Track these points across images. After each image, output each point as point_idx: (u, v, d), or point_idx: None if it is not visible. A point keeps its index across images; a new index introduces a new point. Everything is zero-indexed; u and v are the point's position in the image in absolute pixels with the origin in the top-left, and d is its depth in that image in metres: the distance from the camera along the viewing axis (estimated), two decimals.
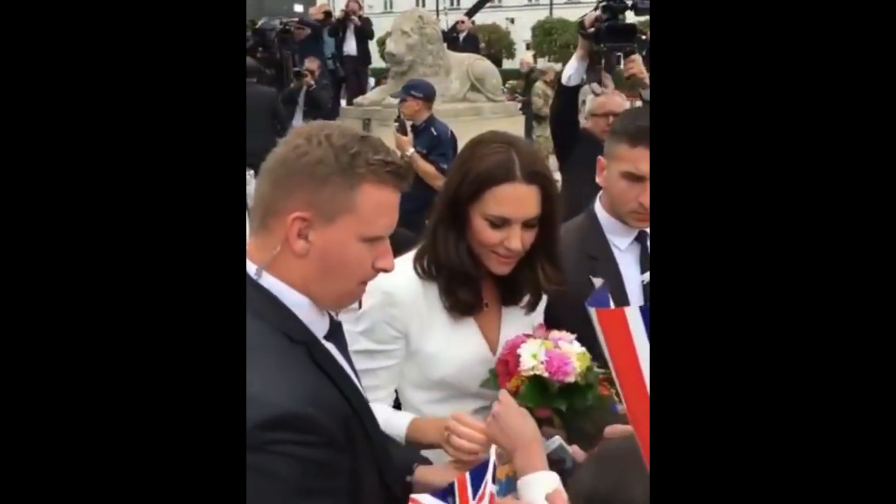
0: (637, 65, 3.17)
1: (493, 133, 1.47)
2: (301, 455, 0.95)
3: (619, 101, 3.45)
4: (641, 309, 0.83)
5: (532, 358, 1.33)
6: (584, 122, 3.52)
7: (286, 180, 1.05)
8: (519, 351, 1.36)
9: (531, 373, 1.33)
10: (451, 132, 4.83)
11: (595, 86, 3.23)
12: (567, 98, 3.32)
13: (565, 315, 1.47)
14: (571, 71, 3.24)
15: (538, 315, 1.57)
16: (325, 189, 1.05)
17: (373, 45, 11.15)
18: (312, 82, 7.67)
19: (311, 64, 8.11)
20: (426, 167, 4.58)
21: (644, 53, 3.36)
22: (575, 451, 1.32)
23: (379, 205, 1.08)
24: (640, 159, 1.55)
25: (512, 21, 38.09)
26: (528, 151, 1.40)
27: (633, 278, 1.66)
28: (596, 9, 3.26)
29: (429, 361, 1.45)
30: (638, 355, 0.83)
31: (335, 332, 1.17)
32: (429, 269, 1.44)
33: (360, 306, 1.43)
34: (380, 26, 11.35)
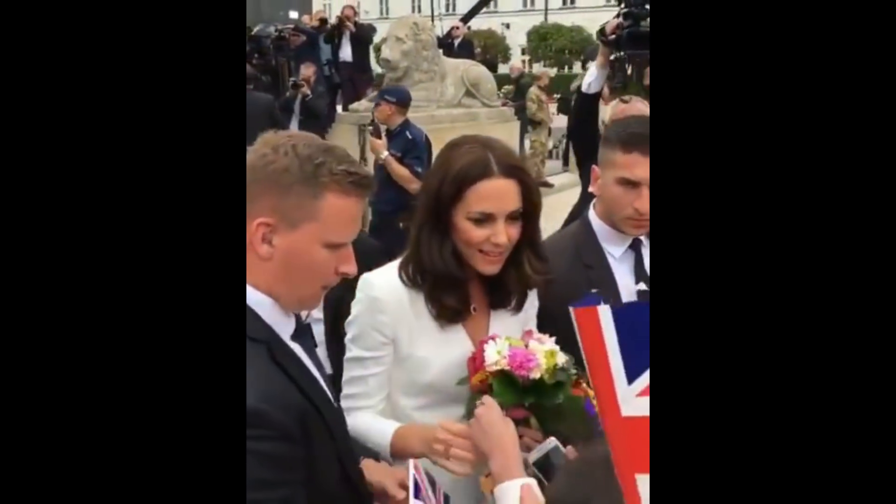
0: None
1: (466, 135, 1.49)
2: (253, 448, 0.97)
3: (640, 108, 3.45)
4: (613, 309, 0.84)
5: (496, 353, 1.36)
6: (603, 128, 3.52)
7: (252, 187, 1.08)
8: (486, 346, 1.38)
9: (495, 367, 1.35)
10: (426, 136, 4.88)
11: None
12: (587, 105, 3.31)
13: (560, 322, 1.48)
14: (591, 78, 3.23)
15: (530, 319, 1.57)
16: (289, 197, 1.09)
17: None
18: (309, 92, 7.69)
19: (307, 70, 8.12)
20: (401, 170, 4.64)
21: None
22: (569, 452, 1.33)
23: (341, 213, 1.12)
24: (634, 165, 1.56)
25: (507, 26, 38.24)
26: (503, 148, 1.42)
27: (629, 287, 1.67)
28: (618, 16, 3.25)
29: (417, 367, 1.46)
30: (608, 354, 0.84)
31: (302, 334, 1.22)
32: (414, 277, 1.44)
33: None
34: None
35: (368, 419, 1.46)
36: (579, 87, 3.35)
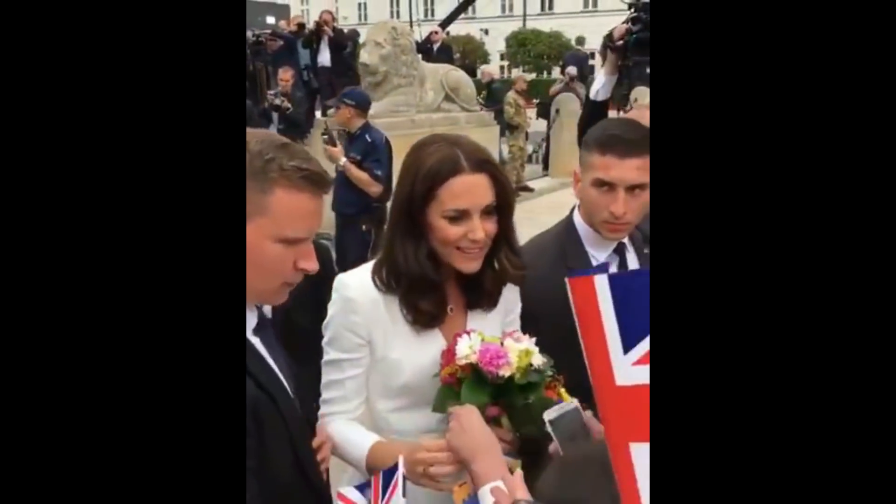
0: None
1: (433, 135, 1.48)
2: None
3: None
4: (610, 277, 0.83)
5: (468, 348, 1.35)
6: None
7: None
8: (459, 339, 1.37)
9: (464, 361, 1.34)
10: (387, 139, 4.90)
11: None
12: (595, 112, 3.29)
13: (542, 324, 1.47)
14: (599, 86, 3.20)
15: (513, 322, 1.57)
16: None
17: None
18: (290, 105, 7.67)
19: (286, 73, 8.09)
20: (359, 174, 4.68)
21: None
22: (589, 419, 1.31)
23: (292, 209, 1.11)
24: (609, 166, 1.56)
25: (486, 32, 38.40)
26: (470, 144, 1.41)
27: None
28: (626, 21, 3.24)
29: (391, 369, 1.44)
30: (603, 323, 0.83)
31: (264, 328, 1.23)
32: (388, 281, 1.42)
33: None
34: None
35: (344, 428, 1.44)
36: (587, 95, 3.33)
